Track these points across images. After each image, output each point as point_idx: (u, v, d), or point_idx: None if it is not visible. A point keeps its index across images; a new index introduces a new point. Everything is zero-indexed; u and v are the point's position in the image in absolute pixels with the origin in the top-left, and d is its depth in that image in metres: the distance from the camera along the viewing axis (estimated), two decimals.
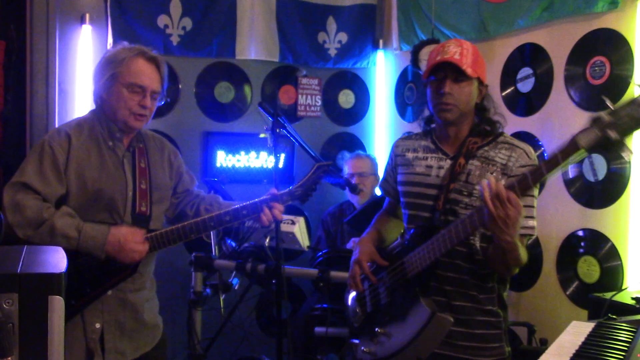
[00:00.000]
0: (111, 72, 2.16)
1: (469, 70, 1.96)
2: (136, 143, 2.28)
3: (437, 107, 2.04)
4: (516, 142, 2.05)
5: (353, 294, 2.29)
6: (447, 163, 2.07)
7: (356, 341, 2.24)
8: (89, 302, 2.16)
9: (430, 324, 1.93)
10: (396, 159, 2.24)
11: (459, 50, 1.98)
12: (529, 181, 1.75)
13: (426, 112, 2.19)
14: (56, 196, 2.13)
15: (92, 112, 2.29)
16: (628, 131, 1.59)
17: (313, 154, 2.83)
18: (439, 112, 2.04)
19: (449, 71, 1.99)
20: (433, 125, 2.19)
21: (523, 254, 1.90)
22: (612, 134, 1.59)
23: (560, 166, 1.70)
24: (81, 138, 2.18)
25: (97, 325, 2.18)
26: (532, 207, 1.98)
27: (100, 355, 2.18)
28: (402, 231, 2.36)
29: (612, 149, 1.63)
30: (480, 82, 2.05)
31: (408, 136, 2.28)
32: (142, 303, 2.31)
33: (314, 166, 2.33)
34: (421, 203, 2.09)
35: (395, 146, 2.28)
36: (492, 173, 1.99)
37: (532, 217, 1.98)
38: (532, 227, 1.98)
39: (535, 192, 1.98)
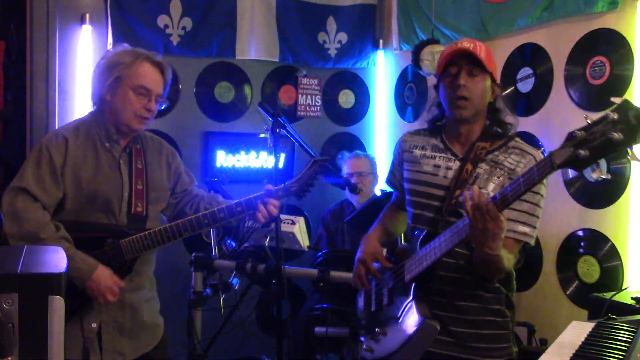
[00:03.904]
0: (117, 75, 2.17)
1: (484, 61, 1.96)
2: (133, 144, 2.29)
3: (452, 104, 2.01)
4: (527, 147, 2.02)
5: (362, 292, 2.29)
6: (455, 164, 2.05)
7: (362, 338, 2.27)
8: (85, 303, 2.16)
9: (419, 330, 1.94)
10: (403, 154, 2.21)
11: (472, 45, 1.99)
12: (507, 197, 1.71)
13: (434, 111, 2.15)
14: (55, 201, 2.15)
15: (91, 113, 2.31)
16: (600, 151, 1.50)
17: (313, 154, 2.83)
18: (454, 108, 2.01)
19: (464, 64, 1.98)
20: (440, 123, 2.16)
21: (508, 264, 1.87)
22: (583, 153, 1.51)
23: (540, 183, 1.67)
24: (78, 140, 2.20)
25: (94, 325, 2.18)
26: (530, 214, 1.93)
27: (98, 354, 2.19)
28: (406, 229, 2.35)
29: (585, 167, 1.55)
30: (493, 80, 2.04)
31: (416, 131, 2.23)
32: (140, 303, 2.31)
33: (311, 161, 2.30)
34: (427, 203, 2.08)
35: (402, 141, 2.24)
36: (498, 177, 1.97)
37: (526, 224, 1.93)
38: (524, 234, 1.93)
39: (537, 198, 1.93)
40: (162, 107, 2.33)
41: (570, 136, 1.55)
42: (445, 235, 1.88)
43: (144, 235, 2.18)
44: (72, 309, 2.13)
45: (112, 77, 2.17)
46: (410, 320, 1.97)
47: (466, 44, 2.00)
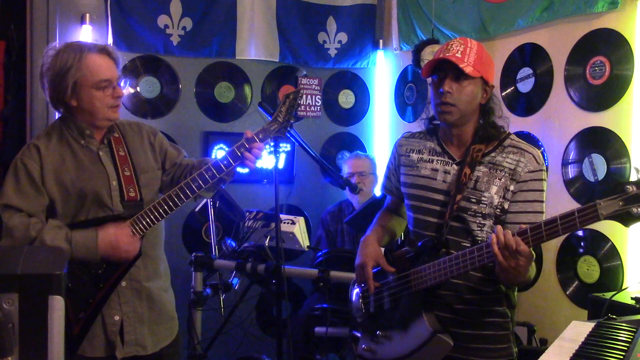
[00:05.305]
0: (73, 80, 2.12)
1: (468, 69, 1.93)
2: (110, 134, 2.28)
3: (437, 108, 2.01)
4: (524, 145, 2.02)
5: (357, 290, 2.27)
6: (453, 168, 2.04)
7: (358, 334, 2.27)
8: (106, 297, 2.17)
9: (430, 343, 1.94)
10: (400, 158, 2.21)
11: (461, 49, 1.96)
12: (542, 236, 1.72)
13: (430, 111, 2.15)
14: (41, 208, 2.15)
15: (60, 118, 2.28)
16: None
17: (313, 154, 2.83)
18: (439, 113, 2.02)
19: (450, 70, 1.96)
20: (436, 123, 2.15)
21: (531, 272, 1.89)
22: (635, 210, 1.50)
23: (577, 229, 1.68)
24: (50, 145, 2.19)
25: (117, 318, 2.21)
26: (542, 212, 1.96)
27: (121, 347, 2.21)
28: (404, 235, 2.34)
29: (634, 223, 1.54)
30: (485, 82, 2.01)
31: (412, 134, 2.23)
32: (158, 292, 2.34)
33: (283, 97, 2.31)
34: (427, 208, 2.07)
35: (398, 145, 2.24)
36: (500, 179, 1.97)
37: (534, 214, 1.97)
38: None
39: (544, 195, 1.97)
40: (126, 84, 2.34)
41: (621, 189, 1.53)
42: (461, 257, 1.87)
43: (143, 212, 2.18)
44: (94, 306, 2.15)
45: (69, 84, 2.13)
46: (420, 331, 1.97)
47: (456, 47, 1.97)
